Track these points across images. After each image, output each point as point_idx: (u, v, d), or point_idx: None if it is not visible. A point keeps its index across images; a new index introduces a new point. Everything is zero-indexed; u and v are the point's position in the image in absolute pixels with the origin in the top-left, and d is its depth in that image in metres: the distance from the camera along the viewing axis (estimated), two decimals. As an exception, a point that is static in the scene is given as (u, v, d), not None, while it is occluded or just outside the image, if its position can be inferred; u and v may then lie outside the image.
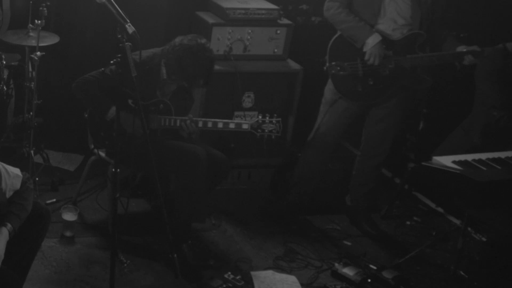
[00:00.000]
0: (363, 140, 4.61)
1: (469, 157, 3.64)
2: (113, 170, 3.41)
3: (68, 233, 4.31)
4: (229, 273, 4.05)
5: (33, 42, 4.50)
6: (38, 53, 4.47)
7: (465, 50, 4.16)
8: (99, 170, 4.59)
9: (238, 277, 4.03)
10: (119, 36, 3.27)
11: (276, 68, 5.00)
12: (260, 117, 4.13)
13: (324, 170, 4.80)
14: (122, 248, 4.10)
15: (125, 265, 4.02)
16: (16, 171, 3.22)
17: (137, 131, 3.73)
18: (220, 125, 4.14)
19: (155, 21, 5.22)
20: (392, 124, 4.49)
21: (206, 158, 4.11)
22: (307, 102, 5.13)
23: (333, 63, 4.34)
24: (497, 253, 4.06)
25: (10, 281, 3.08)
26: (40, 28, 4.41)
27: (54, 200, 4.66)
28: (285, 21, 5.07)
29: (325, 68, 4.38)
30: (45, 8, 4.44)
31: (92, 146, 4.31)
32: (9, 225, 3.08)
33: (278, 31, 5.00)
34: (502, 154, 3.71)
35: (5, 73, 4.66)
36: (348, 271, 4.13)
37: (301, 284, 4.06)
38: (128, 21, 3.29)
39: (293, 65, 5.05)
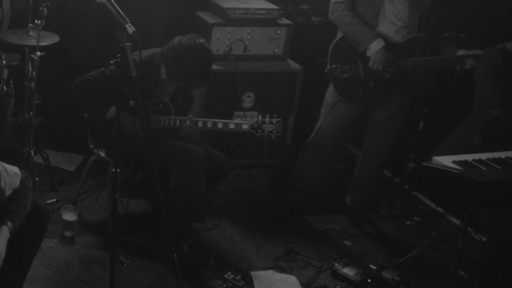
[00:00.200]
0: (365, 141, 4.62)
1: (469, 157, 3.64)
2: (113, 170, 3.42)
3: (68, 233, 4.31)
4: (229, 273, 4.05)
5: (33, 42, 4.50)
6: (38, 53, 4.47)
7: (468, 53, 4.15)
8: (99, 170, 4.59)
9: (238, 277, 4.03)
10: (119, 36, 3.28)
11: (276, 68, 4.99)
12: (260, 117, 4.13)
13: (324, 171, 4.80)
14: (122, 248, 4.09)
15: (125, 265, 4.01)
16: (15, 169, 3.22)
17: (137, 131, 3.74)
18: (219, 125, 4.14)
19: (155, 21, 5.21)
20: (394, 126, 4.50)
21: (206, 158, 4.11)
22: (307, 102, 5.13)
23: (334, 65, 4.33)
24: (497, 253, 4.06)
25: (11, 280, 3.08)
26: (40, 28, 4.41)
27: (54, 200, 4.66)
28: (285, 21, 5.07)
29: (326, 70, 4.38)
30: (45, 8, 4.44)
31: (92, 146, 4.31)
32: (9, 223, 3.08)
33: (278, 31, 5.00)
34: (502, 154, 3.71)
35: (5, 73, 4.66)
36: (348, 271, 4.13)
37: (301, 284, 4.06)
38: (128, 21, 3.29)
39: (293, 65, 5.04)
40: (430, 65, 4.27)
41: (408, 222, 4.90)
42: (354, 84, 4.34)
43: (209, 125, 4.14)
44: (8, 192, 3.16)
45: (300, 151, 4.79)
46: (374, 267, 4.20)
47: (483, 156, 3.67)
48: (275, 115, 4.16)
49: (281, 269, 4.20)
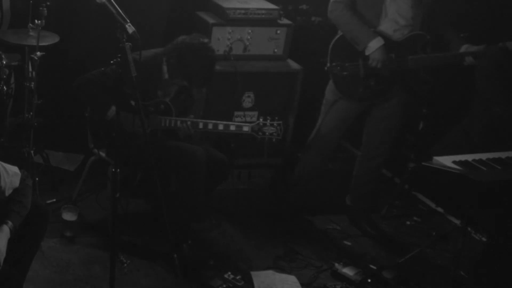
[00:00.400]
0: (364, 140, 4.61)
1: (469, 157, 3.64)
2: (113, 170, 3.42)
3: (68, 233, 4.31)
4: (229, 273, 4.05)
5: (33, 42, 4.49)
6: (38, 53, 4.47)
7: (469, 50, 4.15)
8: (99, 170, 4.59)
9: (238, 277, 4.03)
10: (119, 36, 3.27)
11: (276, 68, 4.99)
12: (261, 119, 4.11)
13: (324, 170, 4.80)
14: (122, 248, 4.10)
15: (125, 265, 4.01)
16: (15, 169, 3.22)
17: (137, 130, 3.74)
18: (220, 127, 4.14)
19: (155, 21, 5.21)
20: (393, 124, 4.50)
21: (206, 159, 4.11)
22: (307, 102, 5.13)
23: (334, 63, 4.34)
24: (497, 253, 4.06)
25: (11, 280, 3.08)
26: (40, 28, 4.41)
27: (54, 200, 4.66)
28: (285, 21, 5.07)
29: (326, 68, 4.38)
30: (45, 8, 4.44)
31: (92, 146, 4.31)
32: (10, 223, 3.09)
33: (278, 31, 5.00)
34: (502, 154, 3.71)
35: (5, 73, 4.65)
36: (348, 271, 4.13)
37: (301, 284, 4.06)
38: (128, 21, 3.29)
39: (293, 65, 5.04)
40: (430, 62, 4.27)
41: (408, 222, 4.90)
42: (355, 82, 4.34)
43: (210, 126, 4.13)
44: (8, 192, 3.16)
45: (300, 151, 4.79)
46: (374, 267, 4.20)
47: (483, 156, 3.67)
48: (276, 118, 4.15)
49: (281, 269, 4.20)
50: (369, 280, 4.02)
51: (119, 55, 3.29)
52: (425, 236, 4.71)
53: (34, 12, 4.54)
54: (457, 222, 4.84)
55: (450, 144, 4.18)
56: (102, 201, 4.67)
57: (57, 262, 4.08)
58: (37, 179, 4.63)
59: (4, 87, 4.60)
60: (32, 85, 4.59)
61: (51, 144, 5.15)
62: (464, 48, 4.20)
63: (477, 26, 4.63)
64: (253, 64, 4.96)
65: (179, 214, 4.10)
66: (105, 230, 4.34)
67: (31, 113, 4.66)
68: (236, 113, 4.92)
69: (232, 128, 4.13)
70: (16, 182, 3.20)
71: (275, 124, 4.10)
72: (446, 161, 3.58)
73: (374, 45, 4.22)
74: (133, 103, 3.47)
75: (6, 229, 3.07)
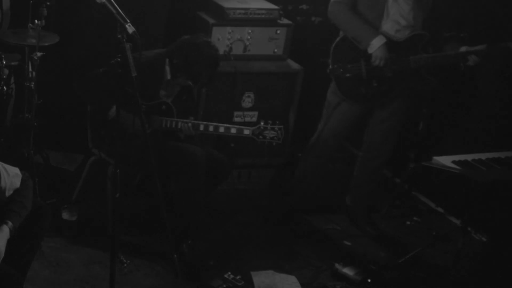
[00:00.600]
0: (365, 140, 4.60)
1: (469, 157, 3.64)
2: (113, 170, 3.41)
3: (68, 233, 4.30)
4: (229, 273, 4.05)
5: (33, 42, 4.49)
6: (38, 53, 4.47)
7: (469, 50, 4.15)
8: (99, 170, 4.58)
9: (238, 277, 4.02)
10: (119, 36, 3.27)
11: (276, 68, 4.99)
12: (262, 123, 4.10)
13: (324, 170, 4.79)
14: (122, 248, 4.10)
15: (125, 265, 4.01)
16: (16, 170, 3.22)
17: (138, 131, 3.73)
18: (221, 130, 4.13)
19: (155, 21, 5.21)
20: (395, 125, 4.49)
21: (206, 159, 4.11)
22: (307, 102, 5.13)
23: (336, 65, 4.33)
24: (497, 253, 4.06)
25: (11, 280, 3.08)
26: (40, 28, 4.41)
27: (54, 200, 4.65)
28: (285, 21, 5.06)
29: (328, 70, 4.37)
30: (45, 8, 4.44)
31: (91, 146, 4.31)
32: (10, 223, 3.08)
33: (278, 31, 5.00)
34: (502, 154, 3.71)
35: (5, 73, 4.65)
36: (348, 271, 4.13)
37: (301, 284, 4.06)
38: (128, 21, 3.29)
39: (293, 65, 5.04)
40: (432, 62, 4.26)
41: (408, 222, 4.90)
42: (357, 84, 4.34)
43: (211, 128, 4.13)
44: (8, 193, 3.16)
45: (301, 152, 4.78)
46: (374, 267, 4.20)
47: (483, 156, 3.68)
48: (277, 122, 4.14)
49: (281, 269, 4.20)
50: (369, 280, 4.02)
51: (119, 55, 3.29)
52: (425, 236, 4.71)
53: (34, 12, 4.53)
54: (457, 222, 4.84)
55: (450, 144, 4.19)
56: (102, 201, 4.67)
57: (57, 262, 4.07)
58: (37, 179, 4.63)
59: (4, 87, 4.60)
60: (32, 85, 4.59)
61: (51, 144, 5.15)
62: (464, 49, 4.19)
63: (477, 26, 4.63)
64: (253, 64, 4.96)
65: (179, 214, 4.10)
66: (105, 230, 4.34)
67: (31, 113, 4.66)
68: (235, 113, 4.92)
69: (233, 131, 4.12)
70: (17, 183, 3.20)
71: (276, 128, 4.09)
72: (446, 161, 3.58)
73: (376, 43, 4.21)
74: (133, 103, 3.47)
75: (6, 229, 3.07)
